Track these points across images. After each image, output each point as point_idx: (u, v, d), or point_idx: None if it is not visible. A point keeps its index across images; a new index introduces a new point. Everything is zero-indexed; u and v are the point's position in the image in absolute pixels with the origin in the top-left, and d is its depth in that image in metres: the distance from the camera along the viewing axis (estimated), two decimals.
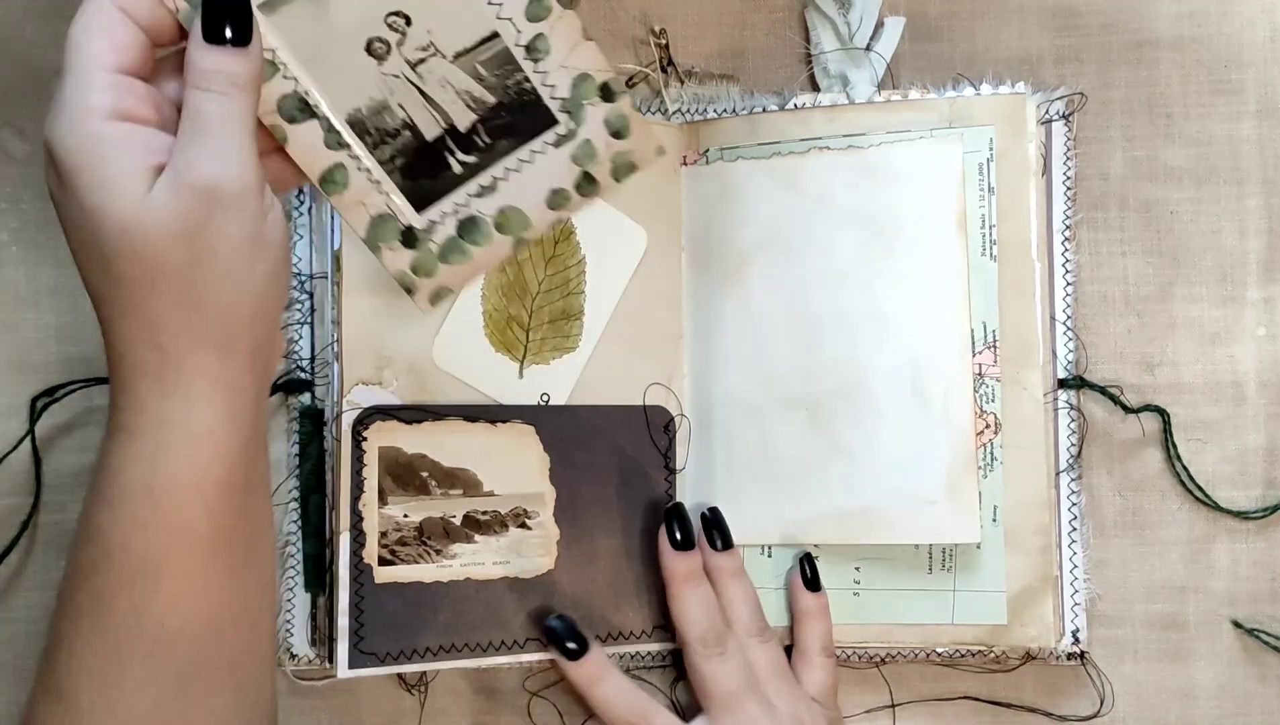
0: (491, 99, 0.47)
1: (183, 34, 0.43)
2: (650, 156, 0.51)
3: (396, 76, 0.46)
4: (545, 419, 0.59)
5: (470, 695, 0.61)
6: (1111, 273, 0.61)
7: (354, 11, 0.44)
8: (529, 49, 0.46)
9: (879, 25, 0.60)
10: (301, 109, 0.45)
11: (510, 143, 0.48)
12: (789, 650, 0.59)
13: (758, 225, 0.60)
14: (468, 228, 0.49)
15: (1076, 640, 0.59)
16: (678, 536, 0.58)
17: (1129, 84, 0.61)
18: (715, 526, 0.59)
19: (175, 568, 0.43)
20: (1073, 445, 0.60)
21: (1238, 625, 0.60)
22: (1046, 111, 0.59)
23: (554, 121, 0.48)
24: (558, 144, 0.48)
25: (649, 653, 0.61)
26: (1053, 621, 0.57)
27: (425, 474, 0.57)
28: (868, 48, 0.60)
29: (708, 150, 0.60)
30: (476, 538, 0.57)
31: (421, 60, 0.46)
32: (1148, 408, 0.60)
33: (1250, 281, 0.60)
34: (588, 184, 0.50)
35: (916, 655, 0.60)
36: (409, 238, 0.48)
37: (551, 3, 0.46)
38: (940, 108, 0.59)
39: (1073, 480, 0.59)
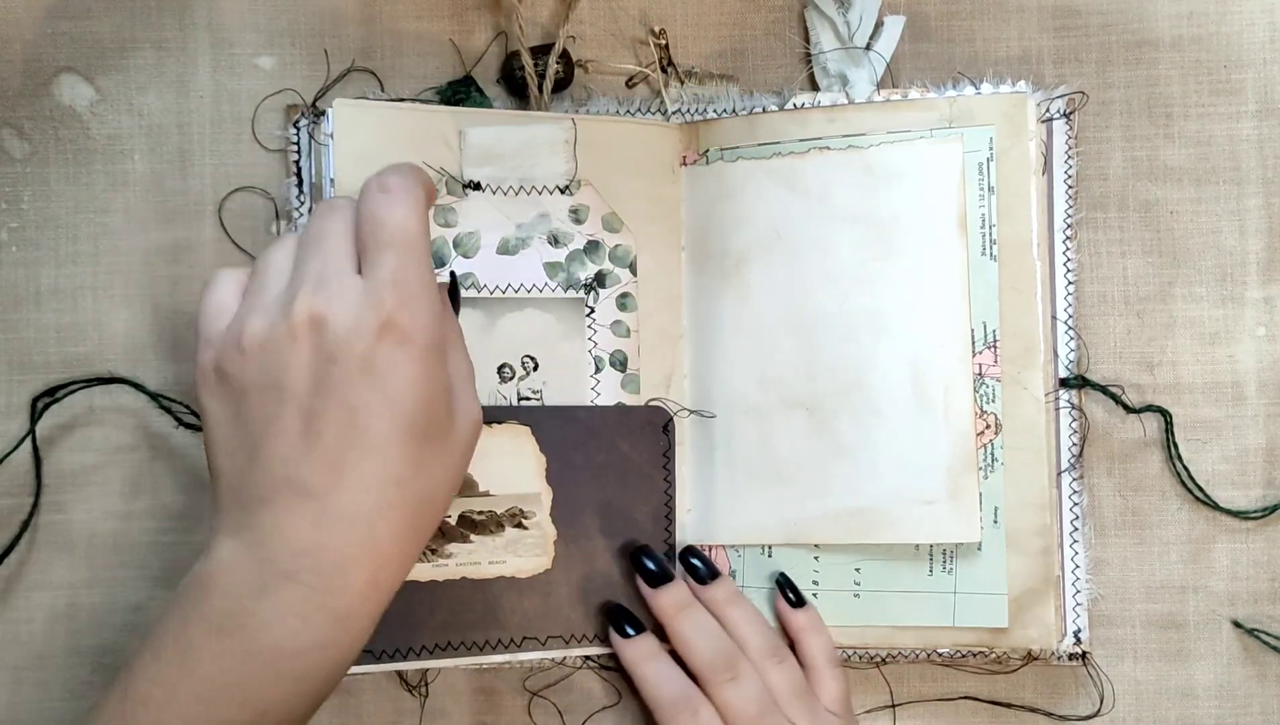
0: None
1: None
2: None
3: (504, 398, 0.58)
4: (542, 420, 0.58)
5: (470, 695, 0.61)
6: (1111, 272, 0.61)
7: (501, 345, 0.58)
8: None
9: (879, 24, 0.60)
10: None
11: None
12: None
13: (757, 225, 0.60)
14: None
15: (1078, 640, 0.59)
16: (651, 568, 0.58)
17: (1129, 84, 0.61)
18: (696, 558, 0.58)
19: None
20: (1074, 445, 0.59)
21: (1238, 625, 0.60)
22: (1047, 110, 0.59)
23: None
24: None
25: None
26: (1054, 623, 0.57)
27: None
28: (867, 47, 0.60)
29: (707, 150, 0.60)
30: (472, 537, 0.58)
31: (526, 398, 0.58)
32: (1149, 408, 0.60)
33: (1250, 281, 0.60)
34: None
35: (917, 656, 0.59)
36: None
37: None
38: (940, 107, 0.59)
39: (1074, 480, 0.59)
